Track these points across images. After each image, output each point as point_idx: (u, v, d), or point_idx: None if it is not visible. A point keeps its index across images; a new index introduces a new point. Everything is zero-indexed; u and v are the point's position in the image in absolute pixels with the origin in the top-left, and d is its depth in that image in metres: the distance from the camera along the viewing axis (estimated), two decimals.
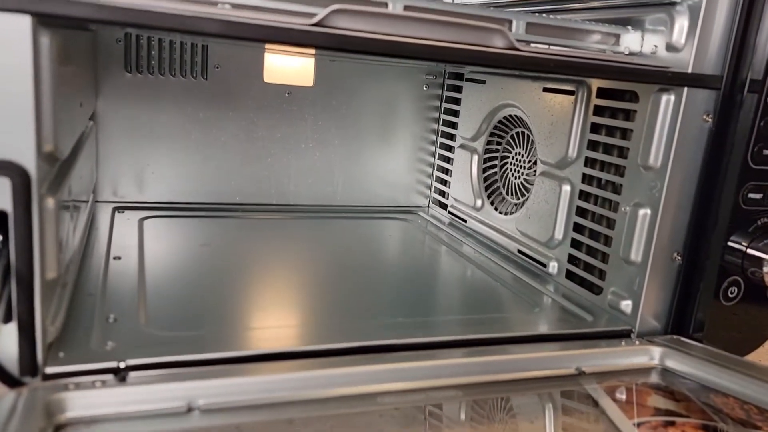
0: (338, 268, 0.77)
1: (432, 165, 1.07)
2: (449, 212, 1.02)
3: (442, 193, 1.05)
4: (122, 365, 0.46)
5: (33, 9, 0.38)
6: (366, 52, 0.47)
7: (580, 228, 0.72)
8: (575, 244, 0.73)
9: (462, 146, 0.98)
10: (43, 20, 0.40)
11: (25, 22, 0.39)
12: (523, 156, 0.86)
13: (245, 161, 0.95)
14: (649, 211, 0.61)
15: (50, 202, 0.44)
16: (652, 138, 0.60)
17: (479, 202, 0.94)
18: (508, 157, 0.90)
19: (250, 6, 0.50)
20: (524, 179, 0.85)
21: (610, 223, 0.67)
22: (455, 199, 1.00)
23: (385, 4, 0.53)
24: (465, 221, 0.97)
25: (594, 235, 0.70)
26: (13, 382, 0.43)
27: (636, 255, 0.62)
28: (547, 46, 0.62)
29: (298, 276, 0.73)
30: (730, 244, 0.61)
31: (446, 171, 1.03)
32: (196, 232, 0.83)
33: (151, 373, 0.46)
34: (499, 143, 0.92)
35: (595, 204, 0.70)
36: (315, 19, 0.46)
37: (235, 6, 0.49)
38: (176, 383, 0.46)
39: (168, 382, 0.46)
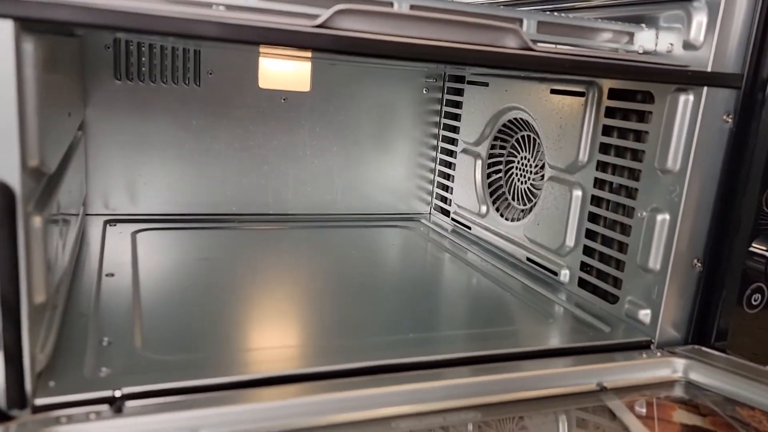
0: (341, 282, 0.73)
1: (433, 171, 1.04)
2: (452, 219, 0.99)
3: (444, 200, 1.02)
4: (118, 394, 0.43)
5: (15, 13, 0.35)
6: (374, 54, 0.44)
7: (592, 234, 0.70)
8: (588, 251, 0.70)
9: (464, 151, 0.95)
10: (26, 25, 0.37)
11: (6, 27, 0.35)
12: (529, 160, 0.83)
13: (241, 170, 0.92)
14: (668, 217, 0.58)
15: (37, 221, 0.40)
16: (670, 140, 0.57)
17: (484, 209, 0.91)
18: (514, 162, 0.87)
19: (246, 7, 0.47)
20: (531, 184, 0.83)
21: (625, 229, 0.64)
22: (458, 206, 0.97)
23: (390, 4, 0.50)
24: (469, 228, 0.95)
25: (608, 241, 0.67)
26: (0, 417, 0.40)
27: (654, 262, 0.60)
28: (554, 46, 0.59)
29: (300, 290, 0.70)
30: (753, 249, 0.59)
31: (448, 177, 1.01)
32: (191, 245, 0.80)
33: (149, 402, 0.43)
34: (503, 147, 0.89)
35: (609, 209, 0.67)
36: (319, 21, 0.43)
37: (229, 7, 0.46)
38: (176, 413, 0.42)
39: (167, 412, 0.42)
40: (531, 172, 0.83)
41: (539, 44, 0.56)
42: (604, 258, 0.68)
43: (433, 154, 1.04)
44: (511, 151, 0.87)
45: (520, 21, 0.54)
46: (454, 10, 0.51)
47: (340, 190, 0.99)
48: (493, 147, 0.90)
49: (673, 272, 0.59)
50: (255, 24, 0.41)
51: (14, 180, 0.38)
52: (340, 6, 0.44)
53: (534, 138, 0.82)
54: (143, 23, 0.37)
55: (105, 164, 0.85)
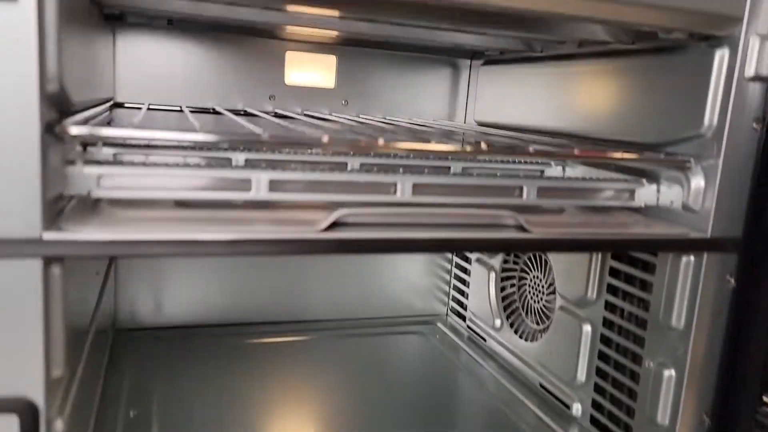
0: (357, 400, 0.76)
1: (449, 273, 1.06)
2: (468, 327, 1.00)
3: (460, 303, 1.03)
4: None
5: (44, 253, 0.38)
6: (376, 251, 0.47)
7: (603, 374, 0.70)
8: (599, 389, 0.70)
9: (478, 260, 0.97)
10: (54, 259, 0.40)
11: (36, 265, 0.39)
12: (541, 280, 0.84)
13: (258, 279, 0.95)
14: (674, 373, 0.59)
15: (59, 425, 0.43)
16: (673, 299, 0.58)
17: (498, 322, 0.92)
18: (526, 279, 0.88)
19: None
20: (544, 304, 0.84)
21: (634, 376, 0.65)
22: (473, 314, 0.98)
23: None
24: (484, 340, 0.95)
25: (618, 385, 0.67)
26: None
27: (663, 417, 0.60)
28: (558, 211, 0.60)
29: (315, 404, 0.72)
30: (763, 403, 0.59)
31: (463, 281, 1.02)
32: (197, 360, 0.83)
33: None
34: (516, 263, 0.90)
35: (618, 352, 0.68)
36: (322, 226, 0.46)
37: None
38: None
39: None
40: (543, 292, 0.84)
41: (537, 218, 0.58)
42: (614, 401, 0.68)
43: (450, 255, 1.05)
44: (524, 267, 0.89)
45: (521, 189, 0.56)
46: (450, 203, 0.53)
47: (356, 294, 1.01)
48: (506, 261, 0.92)
49: (682, 427, 0.59)
50: (258, 237, 0.44)
51: (38, 395, 0.41)
52: (343, 211, 0.46)
53: (545, 259, 0.83)
54: (147, 250, 0.41)
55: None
